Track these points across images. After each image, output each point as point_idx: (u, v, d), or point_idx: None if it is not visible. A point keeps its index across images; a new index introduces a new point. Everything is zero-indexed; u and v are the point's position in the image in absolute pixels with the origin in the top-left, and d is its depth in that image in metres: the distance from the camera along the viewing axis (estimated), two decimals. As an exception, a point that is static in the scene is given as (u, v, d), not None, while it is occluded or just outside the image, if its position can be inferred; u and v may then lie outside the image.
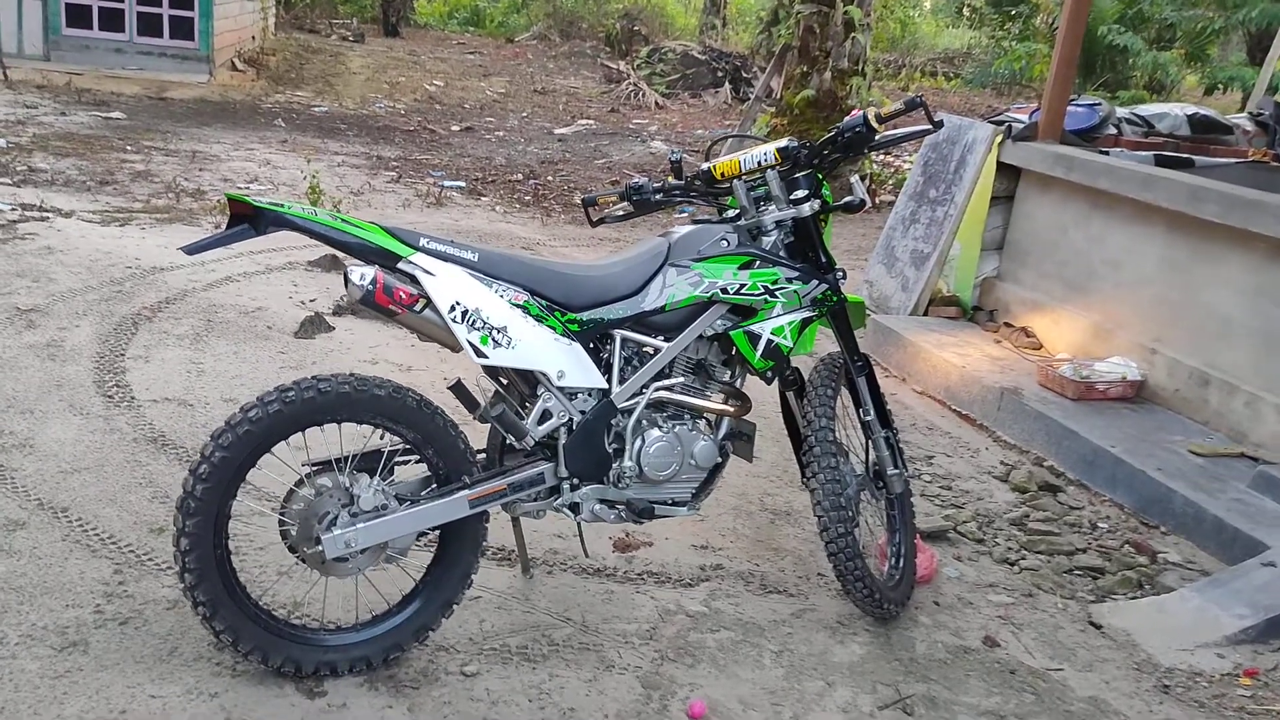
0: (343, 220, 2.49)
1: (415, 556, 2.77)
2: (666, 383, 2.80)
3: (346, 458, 2.58)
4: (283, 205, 2.43)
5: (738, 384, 2.95)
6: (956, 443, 4.75)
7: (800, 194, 2.88)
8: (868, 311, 4.67)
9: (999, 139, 5.84)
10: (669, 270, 2.77)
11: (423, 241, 2.53)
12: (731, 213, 2.98)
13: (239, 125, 11.07)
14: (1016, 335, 5.54)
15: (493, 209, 8.65)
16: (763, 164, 2.87)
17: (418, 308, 2.50)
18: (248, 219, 2.42)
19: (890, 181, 10.52)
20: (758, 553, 3.53)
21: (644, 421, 2.81)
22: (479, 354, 2.51)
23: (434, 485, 2.67)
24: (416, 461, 2.66)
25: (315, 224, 2.45)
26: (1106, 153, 5.71)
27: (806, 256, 2.94)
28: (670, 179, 3.05)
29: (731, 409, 2.88)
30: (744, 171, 2.90)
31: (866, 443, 3.21)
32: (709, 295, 2.77)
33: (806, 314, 2.89)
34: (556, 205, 9.02)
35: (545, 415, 2.68)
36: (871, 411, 3.15)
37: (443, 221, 7.84)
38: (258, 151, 9.70)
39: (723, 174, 2.94)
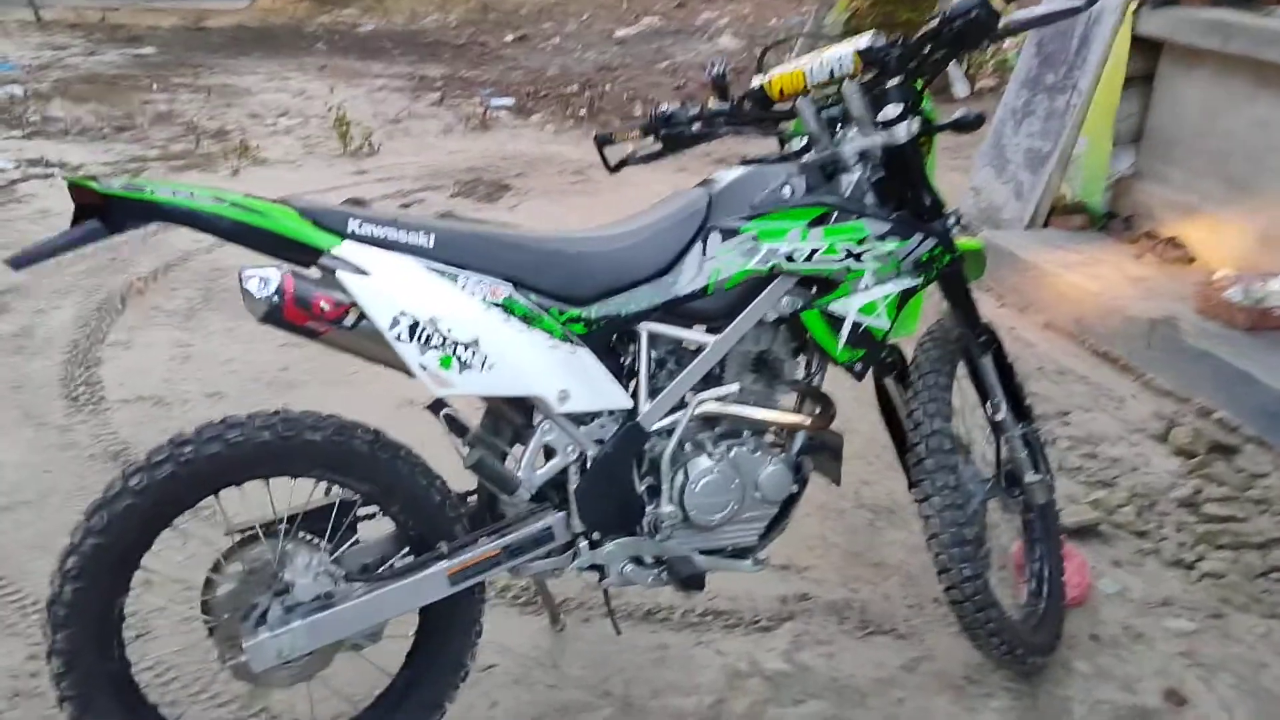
0: (235, 204, 1.74)
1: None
2: (716, 391, 2.01)
3: (282, 521, 1.89)
4: (144, 189, 1.70)
5: (815, 382, 2.15)
6: (1096, 391, 3.87)
7: (892, 112, 2.03)
8: (978, 234, 3.77)
9: (1132, 6, 4.77)
10: (711, 235, 1.96)
11: (353, 225, 1.77)
12: (796, 144, 2.15)
13: (278, 52, 10.37)
14: (1162, 248, 4.56)
15: (543, 128, 7.81)
16: (837, 73, 2.02)
17: (348, 321, 1.76)
18: (99, 211, 1.71)
19: (990, 63, 9.33)
20: (854, 571, 2.76)
21: (687, 447, 2.04)
22: (440, 382, 1.77)
23: (407, 549, 1.96)
24: (382, 515, 1.96)
25: (195, 210, 1.71)
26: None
27: (904, 199, 2.10)
28: (713, 101, 2.22)
29: (808, 419, 2.09)
30: (811, 85, 2.06)
31: (997, 442, 2.39)
32: (769, 267, 1.96)
33: (908, 283, 2.06)
34: (615, 119, 8.13)
35: (547, 453, 1.94)
36: (1002, 404, 2.33)
37: (487, 147, 7.06)
38: (293, 81, 8.99)
39: (782, 91, 2.10)
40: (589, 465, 1.95)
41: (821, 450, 2.18)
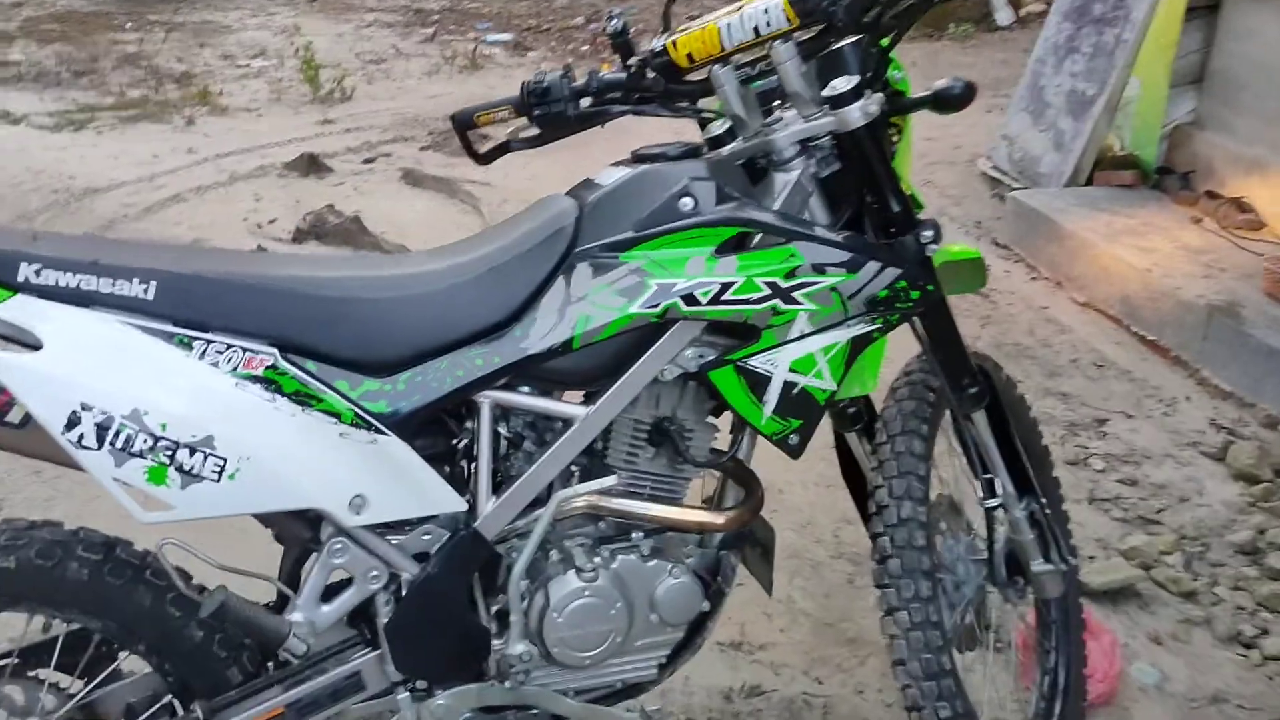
0: None
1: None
2: (591, 485, 1.44)
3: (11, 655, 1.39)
4: None
5: (738, 454, 1.58)
6: (1141, 391, 3.25)
7: (844, 85, 1.43)
8: (1008, 192, 3.12)
9: (1198, -80, 4.04)
10: (579, 268, 1.38)
11: (26, 270, 1.21)
12: (718, 128, 1.56)
13: (270, -16, 9.74)
14: (1226, 210, 3.88)
15: (538, 67, 7.16)
16: (764, 31, 1.43)
17: (12, 416, 1.22)
18: None
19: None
20: (823, 651, 2.20)
21: (550, 558, 1.49)
22: (150, 505, 1.22)
23: (170, 698, 1.44)
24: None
25: None
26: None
27: (863, 205, 1.50)
28: (606, 68, 1.63)
29: (724, 515, 1.52)
30: (729, 47, 1.47)
31: (990, 526, 1.80)
32: (659, 310, 1.38)
33: (860, 329, 1.47)
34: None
35: (340, 584, 1.39)
36: (999, 480, 1.73)
37: (473, 91, 6.43)
38: (279, 16, 8.39)
39: (691, 57, 1.51)
40: (406, 592, 1.40)
41: (750, 543, 1.61)
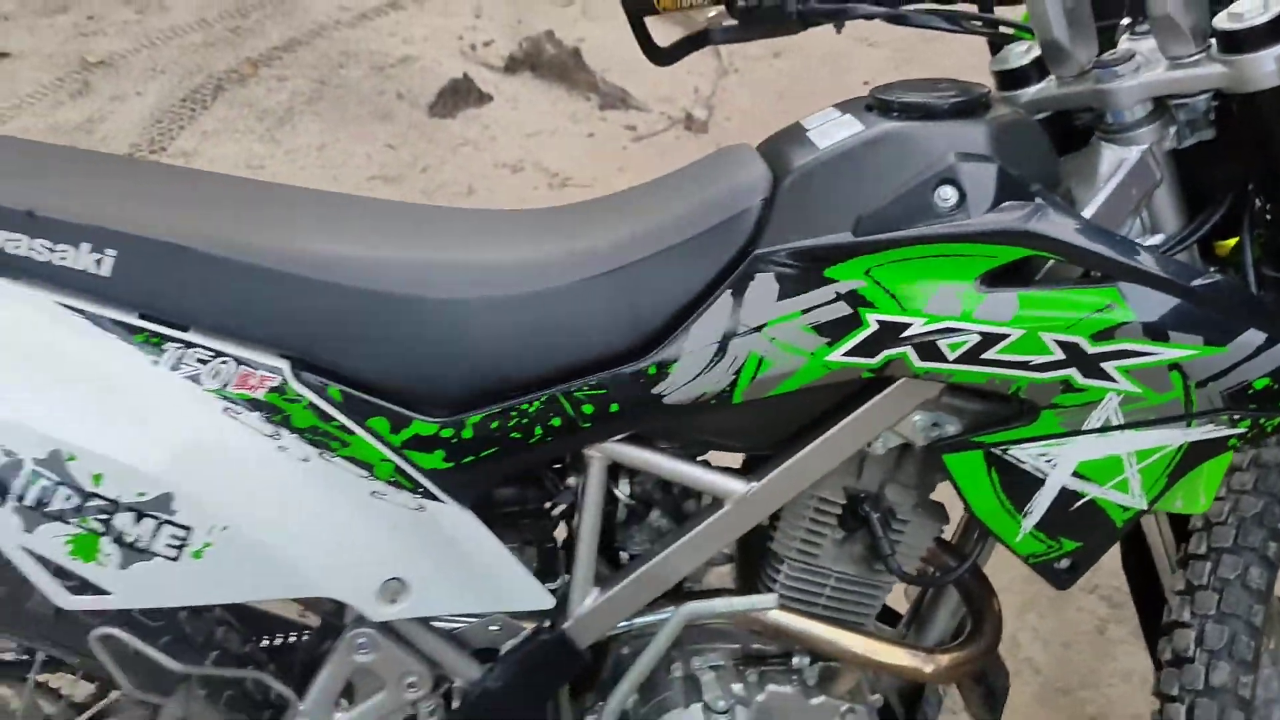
0: None
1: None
2: (746, 602, 0.97)
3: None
4: None
5: (971, 553, 1.06)
6: None
7: (1259, 11, 0.82)
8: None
9: None
10: (755, 280, 0.87)
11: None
12: (1016, 58, 0.98)
13: None
14: None
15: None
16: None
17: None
18: None
19: None
20: (1049, 729, 1.70)
21: (667, 676, 1.05)
22: (73, 584, 0.84)
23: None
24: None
25: None
26: None
27: (1243, 214, 0.91)
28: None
29: (934, 663, 1.02)
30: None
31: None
32: (877, 362, 0.86)
33: (1206, 432, 0.90)
34: None
35: (364, 685, 1.00)
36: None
37: None
38: None
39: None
40: (458, 705, 1.00)
41: (980, 687, 1.11)
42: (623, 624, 0.98)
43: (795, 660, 1.04)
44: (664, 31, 1.06)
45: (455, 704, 0.99)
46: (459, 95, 3.47)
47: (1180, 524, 1.17)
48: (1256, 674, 1.06)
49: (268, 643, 1.04)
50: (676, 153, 3.18)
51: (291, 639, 1.05)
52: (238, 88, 3.53)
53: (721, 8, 1.07)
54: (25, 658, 1.08)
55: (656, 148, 3.29)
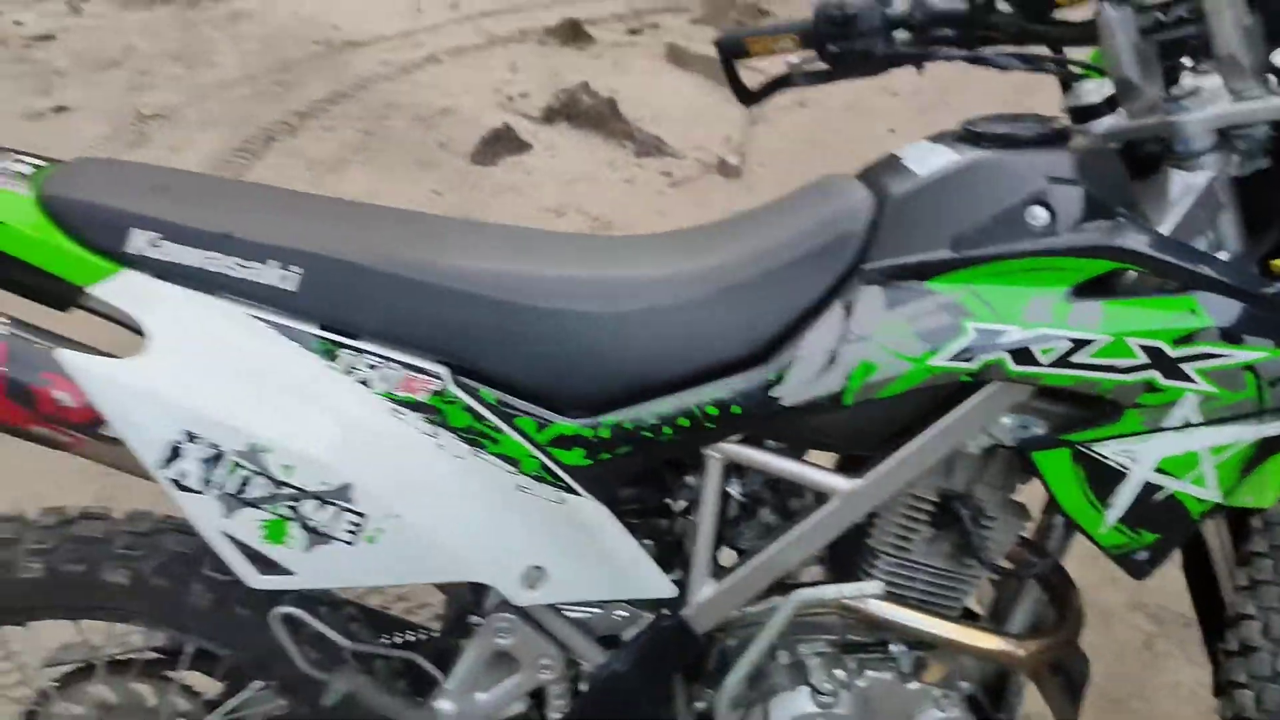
0: None
1: None
2: (853, 588, 1.06)
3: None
4: None
5: (1051, 549, 1.15)
6: None
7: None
8: None
9: None
10: (864, 292, 0.97)
11: (139, 239, 0.92)
12: (1090, 93, 1.08)
13: None
14: None
15: None
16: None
17: (105, 428, 0.95)
18: None
19: None
20: (1103, 737, 1.77)
21: (775, 662, 1.13)
22: (262, 565, 0.94)
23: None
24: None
25: None
26: None
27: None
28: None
29: (1025, 648, 1.11)
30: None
31: None
32: (976, 366, 0.96)
33: (1277, 428, 0.99)
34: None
35: (501, 665, 1.09)
36: None
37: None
38: None
39: (1073, -20, 1.03)
40: (587, 686, 1.08)
41: (1054, 674, 1.20)
42: (735, 612, 1.07)
43: (892, 648, 1.12)
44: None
45: (583, 686, 1.07)
46: (500, 143, 3.60)
47: (1238, 526, 1.26)
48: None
49: (409, 633, 1.13)
50: (713, 197, 3.30)
51: (432, 627, 1.13)
52: (288, 138, 3.67)
53: (811, 52, 1.18)
54: (170, 655, 1.17)
55: (693, 192, 3.40)
